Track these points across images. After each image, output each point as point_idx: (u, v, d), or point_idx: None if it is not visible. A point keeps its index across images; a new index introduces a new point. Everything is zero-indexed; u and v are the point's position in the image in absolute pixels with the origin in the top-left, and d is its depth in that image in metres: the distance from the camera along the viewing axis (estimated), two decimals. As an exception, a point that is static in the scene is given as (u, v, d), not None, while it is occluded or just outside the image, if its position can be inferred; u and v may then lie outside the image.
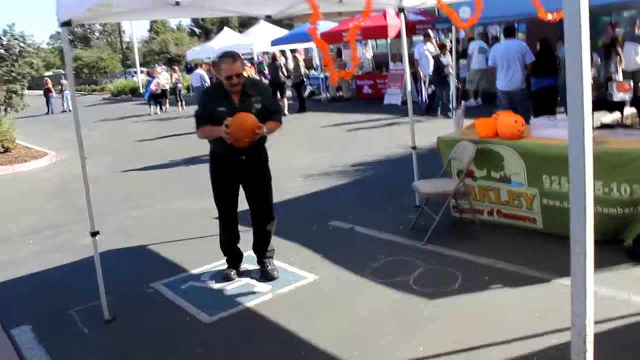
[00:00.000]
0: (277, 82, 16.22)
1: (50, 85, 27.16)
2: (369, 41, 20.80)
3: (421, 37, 14.74)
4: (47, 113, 26.24)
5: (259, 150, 4.49)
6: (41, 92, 27.29)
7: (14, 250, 6.26)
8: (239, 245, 4.86)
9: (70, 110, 25.00)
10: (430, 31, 14.75)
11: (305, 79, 17.29)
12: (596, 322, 3.39)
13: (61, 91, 26.83)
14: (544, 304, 3.76)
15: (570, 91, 1.35)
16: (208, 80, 17.81)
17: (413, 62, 13.87)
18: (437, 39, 15.58)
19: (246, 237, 4.87)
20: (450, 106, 12.04)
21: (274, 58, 16.80)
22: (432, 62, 13.22)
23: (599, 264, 4.17)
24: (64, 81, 26.95)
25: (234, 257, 4.84)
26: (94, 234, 4.24)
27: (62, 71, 62.63)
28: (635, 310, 3.58)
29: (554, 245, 4.56)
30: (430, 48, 13.87)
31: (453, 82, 12.30)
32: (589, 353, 1.29)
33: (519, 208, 5.10)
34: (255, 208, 4.66)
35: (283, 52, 19.39)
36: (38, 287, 5.13)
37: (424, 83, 13.88)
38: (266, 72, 19.66)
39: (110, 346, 3.84)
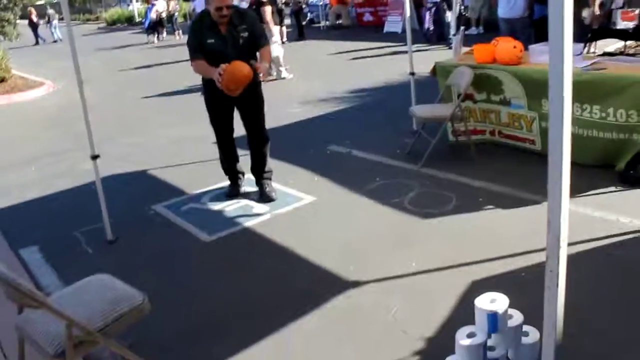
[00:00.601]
0: (276, 9, 15.89)
1: (34, 16, 25.78)
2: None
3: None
4: (37, 44, 25.58)
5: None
6: (26, 22, 25.75)
7: (17, 176, 6.34)
8: (239, 165, 4.96)
9: (61, 40, 24.56)
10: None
11: (304, 6, 16.92)
12: (584, 241, 3.57)
13: (48, 22, 26.02)
14: (534, 224, 3.84)
15: (551, 15, 1.36)
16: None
17: None
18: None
19: (246, 160, 4.94)
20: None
21: None
22: None
23: (592, 187, 4.32)
24: (50, 11, 26.10)
25: (235, 176, 4.96)
26: (94, 157, 4.29)
27: (53, 0, 61.14)
28: (622, 230, 3.68)
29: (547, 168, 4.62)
30: None
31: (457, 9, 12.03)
32: (562, 250, 1.35)
33: (519, 130, 5.15)
34: (249, 130, 4.73)
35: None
36: (43, 210, 5.24)
37: (429, 10, 13.43)
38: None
39: (114, 264, 3.96)
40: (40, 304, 2.07)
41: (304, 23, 18.01)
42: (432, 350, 2.71)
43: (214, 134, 4.82)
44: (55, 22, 25.84)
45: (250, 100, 4.54)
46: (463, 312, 2.82)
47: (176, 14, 21.82)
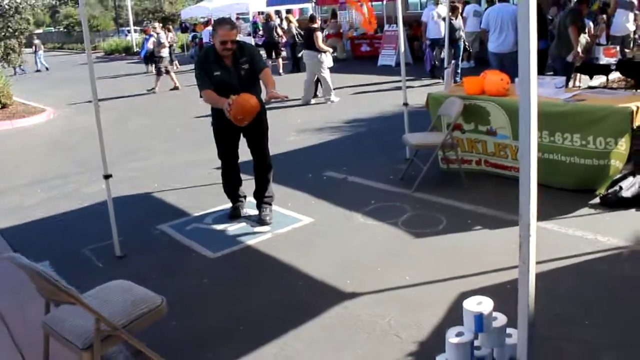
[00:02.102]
0: (272, 42, 16.40)
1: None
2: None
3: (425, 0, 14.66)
4: (14, 74, 25.74)
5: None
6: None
7: (23, 198, 6.57)
8: (241, 189, 5.24)
9: (47, 69, 24.98)
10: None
11: (298, 39, 17.39)
12: (564, 257, 3.84)
13: (35, 52, 26.32)
14: (518, 243, 4.11)
15: (520, 53, 1.64)
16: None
17: (411, 25, 13.72)
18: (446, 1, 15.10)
19: (249, 184, 5.21)
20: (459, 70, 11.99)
21: (268, 18, 16.92)
22: (442, 25, 12.47)
23: (573, 209, 4.61)
24: (36, 41, 26.40)
25: (237, 199, 5.22)
26: (106, 176, 4.54)
27: (52, 29, 61.87)
28: (600, 248, 3.97)
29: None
30: (441, 11, 12.94)
31: (462, 46, 12.29)
32: (532, 238, 1.62)
33: (504, 158, 5.46)
34: (255, 156, 5.02)
35: (278, 13, 19.45)
36: (51, 229, 5.46)
37: (430, 47, 13.19)
38: (260, 32, 19.76)
39: (124, 277, 4.11)
40: (75, 300, 2.30)
41: (299, 55, 18.49)
42: (423, 351, 2.96)
43: (214, 159, 5.09)
44: (40, 52, 26.24)
45: (256, 129, 4.83)
46: (452, 319, 3.07)
47: (174, 44, 22.29)
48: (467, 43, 13.23)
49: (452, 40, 12.11)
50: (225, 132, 4.89)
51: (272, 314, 3.52)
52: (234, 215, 5.20)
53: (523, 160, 1.64)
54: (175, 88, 15.06)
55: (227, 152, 5.01)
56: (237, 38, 4.70)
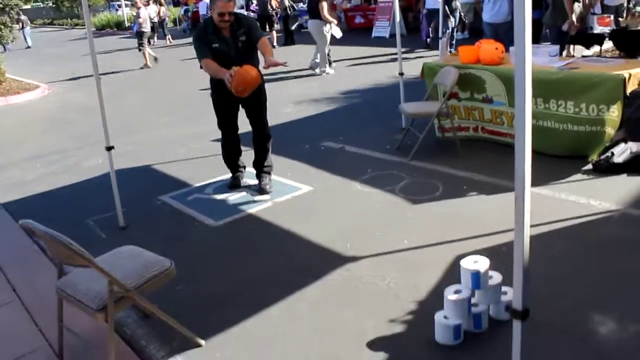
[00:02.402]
0: (265, 15, 16.33)
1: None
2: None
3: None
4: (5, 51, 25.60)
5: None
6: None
7: (24, 173, 6.63)
8: (241, 159, 5.33)
9: (30, 47, 24.75)
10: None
11: (290, 11, 17.31)
12: (558, 220, 3.96)
13: (22, 28, 26.00)
14: (513, 207, 4.23)
15: (516, 21, 1.71)
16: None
17: None
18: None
19: (248, 154, 5.30)
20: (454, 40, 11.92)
21: None
22: None
23: (567, 175, 4.72)
24: (23, 17, 26.10)
25: (237, 169, 5.31)
26: (109, 148, 4.62)
27: (40, 4, 60.89)
28: (592, 211, 4.09)
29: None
30: None
31: (457, 16, 12.17)
32: (527, 191, 1.73)
33: (501, 125, 5.55)
34: (254, 127, 5.09)
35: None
36: (53, 203, 5.54)
37: (426, 17, 13.09)
38: (254, 5, 19.63)
39: (128, 246, 4.29)
40: (90, 262, 2.40)
41: (292, 28, 18.41)
42: (422, 310, 3.08)
43: (211, 132, 5.16)
44: (27, 28, 25.98)
45: (255, 99, 4.89)
46: (449, 280, 3.19)
47: (166, 19, 22.13)
48: (461, 13, 13.16)
49: (450, 11, 12.07)
50: (224, 103, 4.95)
51: (275, 277, 3.63)
52: (234, 184, 5.29)
53: (518, 117, 1.74)
54: (146, 66, 14.96)
55: (226, 122, 5.08)
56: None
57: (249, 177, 5.39)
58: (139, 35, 15.09)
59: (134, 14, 20.40)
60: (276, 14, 16.81)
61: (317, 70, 11.19)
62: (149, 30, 15.46)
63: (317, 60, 11.19)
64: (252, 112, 5.02)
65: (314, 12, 10.79)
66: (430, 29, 12.93)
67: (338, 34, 11.00)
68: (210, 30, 4.72)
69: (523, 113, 1.73)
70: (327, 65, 11.11)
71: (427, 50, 12.58)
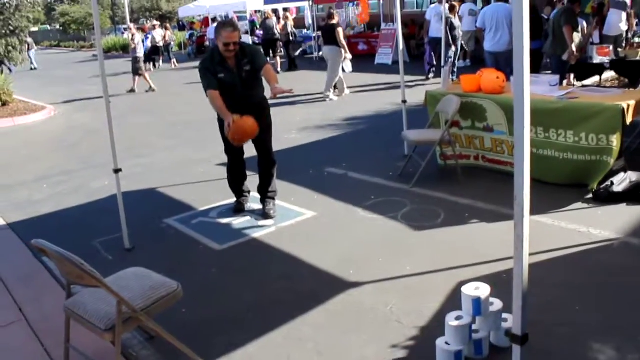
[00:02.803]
0: (270, 39, 16.57)
1: None
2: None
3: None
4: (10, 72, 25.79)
5: (259, 102, 5.00)
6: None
7: (31, 193, 6.71)
8: (245, 184, 5.41)
9: (35, 68, 24.97)
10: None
11: (292, 37, 17.57)
12: (558, 249, 4.01)
13: (28, 49, 26.27)
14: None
15: (515, 53, 1.80)
16: None
17: (407, 24, 13.68)
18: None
19: (254, 179, 5.39)
20: (455, 69, 11.99)
21: (266, 17, 17.16)
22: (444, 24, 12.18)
23: (567, 204, 4.79)
24: (29, 39, 26.40)
25: (241, 194, 5.38)
26: (116, 170, 4.70)
27: (48, 27, 61.74)
28: (592, 240, 4.15)
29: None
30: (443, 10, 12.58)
31: (459, 45, 12.29)
32: (526, 219, 1.80)
33: (501, 154, 5.63)
34: (258, 151, 5.17)
35: (275, 11, 19.61)
36: (59, 224, 5.60)
37: (430, 45, 13.03)
38: (258, 31, 19.96)
39: (134, 268, 4.34)
40: (99, 282, 2.46)
41: (297, 54, 18.66)
42: (424, 336, 3.12)
43: (215, 156, 5.25)
44: (33, 50, 26.29)
45: (261, 125, 4.98)
46: (451, 306, 3.23)
47: (172, 43, 22.46)
48: (462, 42, 13.28)
49: (452, 40, 12.16)
50: None
51: (279, 301, 3.68)
52: (238, 209, 5.36)
53: (517, 145, 1.81)
54: (132, 90, 15.05)
55: (233, 148, 5.15)
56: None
57: (254, 201, 5.46)
58: (135, 60, 15.05)
59: (143, 35, 20.77)
60: (280, 39, 17.05)
61: (333, 97, 11.42)
62: (142, 55, 15.47)
63: (343, 86, 11.53)
64: (257, 137, 5.09)
65: (330, 38, 10.99)
66: (432, 56, 12.99)
67: (348, 67, 11.22)
68: (216, 60, 4.79)
69: (522, 138, 1.81)
70: (331, 91, 11.27)
71: (426, 80, 12.70)
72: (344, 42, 10.84)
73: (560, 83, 6.69)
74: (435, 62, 12.85)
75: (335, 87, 11.42)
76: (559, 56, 8.18)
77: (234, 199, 5.45)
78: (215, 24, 19.07)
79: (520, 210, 1.77)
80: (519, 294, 1.82)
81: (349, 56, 11.10)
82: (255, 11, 24.33)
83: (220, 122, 5.09)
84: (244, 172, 5.33)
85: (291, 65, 17.23)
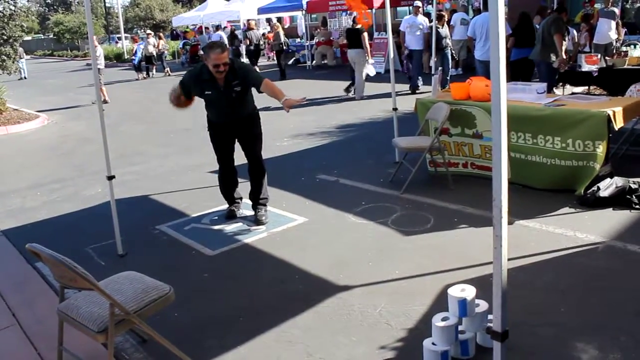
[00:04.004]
0: (251, 49, 17.28)
1: None
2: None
3: (406, 8, 14.75)
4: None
5: (249, 114, 5.09)
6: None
7: (24, 200, 6.74)
8: (237, 191, 5.47)
9: (25, 78, 24.95)
10: (419, 2, 13.12)
11: (284, 47, 17.69)
12: (544, 252, 4.09)
13: (20, 58, 26.24)
14: (502, 239, 4.38)
15: (492, 60, 1.87)
16: (226, 41, 19.05)
17: (399, 33, 13.77)
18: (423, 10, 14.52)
19: (245, 186, 5.45)
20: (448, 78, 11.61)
21: (249, 27, 17.74)
22: (418, 35, 12.10)
23: (554, 208, 4.87)
24: (20, 48, 26.42)
25: (233, 200, 5.44)
26: (110, 177, 4.75)
27: (41, 35, 61.64)
28: (578, 244, 4.23)
29: (516, 193, 5.14)
30: (421, 20, 12.28)
31: (449, 54, 12.09)
32: (504, 219, 1.87)
33: (490, 160, 5.71)
34: (248, 159, 5.23)
35: (269, 21, 19.79)
36: (53, 230, 5.64)
37: (409, 57, 12.50)
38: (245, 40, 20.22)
39: (126, 274, 4.39)
40: (93, 285, 2.51)
41: (289, 63, 18.77)
42: (412, 337, 3.18)
43: (207, 163, 5.32)
44: (23, 59, 26.29)
45: (250, 134, 5.07)
46: (438, 308, 3.29)
47: (165, 52, 22.53)
48: (454, 51, 13.27)
49: (439, 49, 11.97)
50: (220, 138, 5.13)
51: (270, 304, 3.73)
52: (230, 215, 5.41)
53: (495, 149, 1.89)
54: (104, 102, 14.98)
55: (223, 156, 5.23)
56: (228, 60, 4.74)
57: (245, 208, 5.52)
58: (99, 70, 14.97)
59: (137, 44, 20.91)
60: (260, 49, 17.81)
61: (356, 96, 11.98)
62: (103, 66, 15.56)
63: (362, 89, 12.01)
64: (246, 145, 5.16)
65: (355, 42, 11.48)
66: (410, 68, 12.53)
67: (372, 71, 11.56)
68: (205, 77, 4.78)
69: (499, 143, 1.88)
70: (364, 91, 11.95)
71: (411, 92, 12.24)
72: (368, 46, 11.40)
73: (550, 90, 6.79)
74: (410, 74, 12.46)
75: (351, 85, 12.02)
76: (548, 63, 8.30)
77: (226, 206, 5.51)
78: (217, 31, 19.73)
79: (498, 211, 1.84)
80: (498, 292, 1.89)
81: (372, 60, 11.53)
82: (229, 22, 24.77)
83: (211, 130, 5.17)
84: (235, 179, 5.39)
85: (282, 74, 17.36)
